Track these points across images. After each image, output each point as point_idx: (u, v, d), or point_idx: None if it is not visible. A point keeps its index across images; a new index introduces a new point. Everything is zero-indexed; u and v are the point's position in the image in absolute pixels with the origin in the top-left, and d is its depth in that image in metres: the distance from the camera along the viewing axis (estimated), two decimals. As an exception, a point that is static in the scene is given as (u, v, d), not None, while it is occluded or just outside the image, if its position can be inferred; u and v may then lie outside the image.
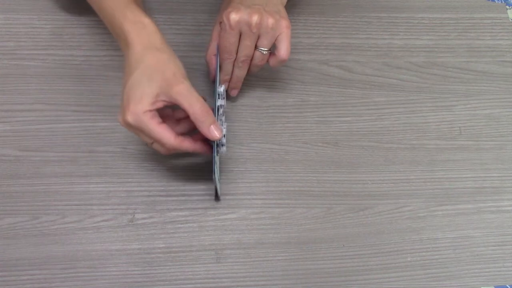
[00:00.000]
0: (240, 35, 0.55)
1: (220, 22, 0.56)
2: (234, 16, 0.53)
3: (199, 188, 0.59)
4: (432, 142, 0.66)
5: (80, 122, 0.60)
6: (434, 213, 0.62)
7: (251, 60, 0.58)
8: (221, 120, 0.55)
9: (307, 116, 0.65)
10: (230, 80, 0.60)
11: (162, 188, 0.59)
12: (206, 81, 0.64)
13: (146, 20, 0.52)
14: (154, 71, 0.49)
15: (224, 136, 0.53)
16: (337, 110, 0.66)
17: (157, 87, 0.48)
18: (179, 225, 0.58)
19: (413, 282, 0.59)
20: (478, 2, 0.76)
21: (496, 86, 0.71)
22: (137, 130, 0.50)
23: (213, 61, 0.60)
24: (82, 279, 0.54)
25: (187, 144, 0.51)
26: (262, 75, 0.66)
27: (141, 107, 0.48)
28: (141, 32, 0.51)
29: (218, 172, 0.56)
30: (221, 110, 0.55)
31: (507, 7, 0.76)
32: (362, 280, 0.58)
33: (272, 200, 0.60)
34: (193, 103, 0.48)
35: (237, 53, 0.57)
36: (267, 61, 0.58)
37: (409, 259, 0.60)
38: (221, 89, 0.55)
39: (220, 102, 0.54)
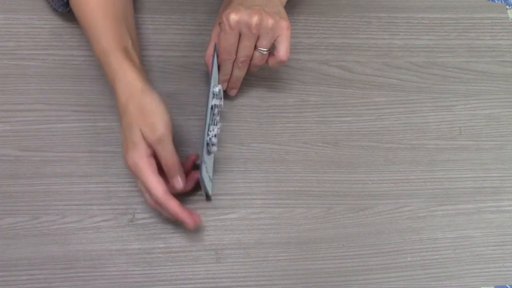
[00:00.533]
0: (240, 36, 0.55)
1: (220, 23, 0.56)
2: (233, 17, 0.53)
3: (199, 188, 0.59)
4: (432, 142, 0.66)
5: (80, 122, 0.60)
6: (434, 213, 0.62)
7: (251, 60, 0.58)
8: (215, 120, 0.55)
9: (307, 116, 0.65)
10: (229, 80, 0.61)
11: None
12: (205, 81, 0.64)
13: (127, 66, 0.53)
14: (137, 121, 0.51)
15: (215, 136, 0.53)
16: (337, 110, 0.66)
17: (141, 137, 0.50)
18: (179, 225, 0.58)
19: (413, 282, 0.59)
20: (478, 2, 0.76)
21: (496, 86, 0.71)
22: (134, 174, 0.52)
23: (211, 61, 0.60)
24: (82, 279, 0.54)
25: (172, 204, 0.51)
26: (262, 75, 0.66)
27: (137, 154, 0.50)
28: (123, 81, 0.52)
29: (211, 171, 0.57)
30: (215, 110, 0.55)
31: (507, 7, 0.76)
32: (362, 280, 0.58)
33: (272, 200, 0.60)
34: (162, 153, 0.51)
35: (236, 54, 0.57)
36: (266, 61, 0.58)
37: (409, 259, 0.60)
38: (216, 89, 0.55)
39: (214, 101, 0.54)
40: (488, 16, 0.75)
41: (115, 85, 0.53)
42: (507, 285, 0.61)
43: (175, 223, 0.57)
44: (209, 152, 0.54)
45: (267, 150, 0.62)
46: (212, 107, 0.54)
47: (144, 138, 0.50)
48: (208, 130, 0.53)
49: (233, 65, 0.58)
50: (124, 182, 0.59)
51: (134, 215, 0.58)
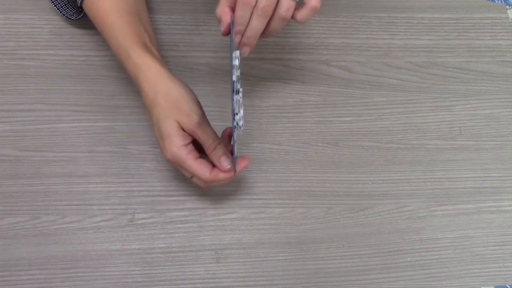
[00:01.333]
0: None
1: None
2: None
3: (199, 188, 0.59)
4: (432, 142, 0.66)
5: (80, 122, 0.60)
6: (434, 213, 0.62)
7: (274, 10, 0.48)
8: (237, 90, 0.48)
9: (307, 116, 0.65)
10: (243, 33, 0.49)
11: (162, 188, 0.59)
12: (205, 81, 0.64)
13: (148, 59, 0.52)
14: (170, 113, 0.50)
15: (237, 114, 0.48)
16: (337, 110, 0.66)
17: (177, 127, 0.50)
18: (179, 225, 0.58)
19: (413, 282, 0.59)
20: (478, 2, 0.76)
21: (496, 86, 0.71)
22: (177, 165, 0.52)
23: (226, 15, 0.49)
24: (82, 279, 0.54)
25: (222, 176, 0.52)
26: (262, 75, 0.66)
27: (174, 144, 0.50)
28: (148, 76, 0.51)
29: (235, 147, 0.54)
30: (238, 85, 0.48)
31: (507, 7, 0.76)
32: (362, 280, 0.58)
33: (272, 200, 0.60)
34: (204, 137, 0.51)
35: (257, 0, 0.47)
36: (293, 16, 0.49)
37: (409, 259, 0.60)
38: (236, 62, 0.48)
39: (236, 74, 0.48)
40: (488, 16, 0.75)
41: (139, 80, 0.52)
42: (507, 285, 0.61)
43: (175, 223, 0.58)
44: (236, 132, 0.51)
45: (267, 150, 0.62)
46: (234, 82, 0.48)
47: (183, 127, 0.50)
48: (234, 114, 0.49)
49: (252, 14, 0.48)
50: (124, 182, 0.59)
51: (134, 215, 0.58)
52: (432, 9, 0.75)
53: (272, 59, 0.67)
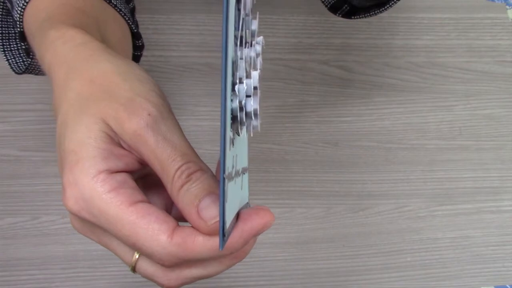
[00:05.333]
0: None
1: None
2: None
3: None
4: (432, 142, 0.66)
5: (80, 122, 0.60)
6: (434, 213, 0.62)
7: None
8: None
9: (307, 116, 0.65)
10: None
11: (162, 188, 0.59)
12: (206, 80, 0.64)
13: (72, 32, 0.29)
14: (91, 104, 0.25)
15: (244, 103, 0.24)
16: (337, 110, 0.66)
17: (98, 131, 0.25)
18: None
19: (413, 282, 0.59)
20: (478, 2, 0.76)
21: (496, 86, 0.71)
22: (93, 229, 0.26)
23: None
24: (82, 279, 0.54)
25: (199, 245, 0.25)
26: (262, 75, 0.66)
27: (82, 169, 0.24)
28: (61, 50, 0.29)
29: (244, 191, 0.29)
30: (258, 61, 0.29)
31: (507, 7, 0.76)
32: (362, 280, 0.58)
33: (272, 200, 0.60)
34: (162, 151, 0.25)
35: None
36: None
37: (409, 259, 0.60)
38: (254, 26, 0.26)
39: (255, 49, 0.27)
40: (488, 16, 0.75)
41: (46, 60, 0.29)
42: (507, 285, 0.61)
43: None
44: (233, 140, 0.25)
45: (267, 150, 0.62)
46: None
47: (114, 130, 0.25)
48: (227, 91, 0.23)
49: None
50: (124, 182, 0.58)
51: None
52: (432, 9, 0.74)
53: (272, 59, 0.67)
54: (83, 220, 0.25)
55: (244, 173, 0.27)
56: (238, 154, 0.25)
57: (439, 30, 0.73)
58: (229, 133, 0.22)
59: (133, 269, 0.28)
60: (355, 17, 0.53)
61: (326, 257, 0.59)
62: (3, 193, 0.57)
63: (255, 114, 0.23)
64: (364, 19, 0.71)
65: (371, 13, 0.51)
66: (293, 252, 0.58)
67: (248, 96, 0.23)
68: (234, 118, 0.23)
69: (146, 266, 0.27)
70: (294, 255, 0.58)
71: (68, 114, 0.26)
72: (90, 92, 0.25)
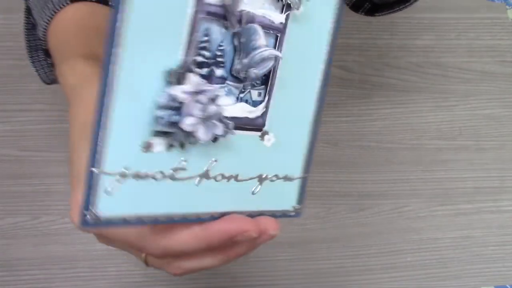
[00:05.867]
0: None
1: None
2: None
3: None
4: (432, 142, 0.66)
5: (80, 122, 0.60)
6: (434, 213, 0.62)
7: None
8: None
9: (307, 116, 0.65)
10: None
11: (162, 188, 0.59)
12: (206, 81, 0.64)
13: (80, 66, 0.34)
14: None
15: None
16: (337, 110, 0.66)
17: None
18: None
19: (413, 282, 0.59)
20: (478, 2, 0.76)
21: (496, 86, 0.71)
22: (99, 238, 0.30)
23: None
24: (82, 279, 0.54)
25: (184, 236, 0.26)
26: (262, 75, 0.66)
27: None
28: (72, 79, 0.35)
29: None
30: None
31: (507, 7, 0.76)
32: (362, 280, 0.58)
33: (272, 200, 0.60)
34: None
35: None
36: None
37: (409, 259, 0.60)
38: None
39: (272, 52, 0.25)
40: (488, 16, 0.75)
41: (59, 78, 0.35)
42: (507, 285, 0.61)
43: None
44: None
45: (267, 150, 0.62)
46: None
47: None
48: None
49: None
50: (124, 182, 0.59)
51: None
52: (432, 9, 0.74)
53: (272, 59, 0.67)
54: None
55: (228, 180, 0.27)
56: (218, 158, 0.25)
57: (439, 30, 0.73)
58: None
59: (147, 264, 0.31)
60: (378, 14, 0.53)
61: (326, 257, 0.59)
62: (3, 193, 0.57)
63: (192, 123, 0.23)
64: (364, 19, 0.71)
65: (395, 9, 0.51)
66: (293, 252, 0.58)
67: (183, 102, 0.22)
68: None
69: (153, 259, 0.30)
70: (294, 255, 0.58)
71: (74, 138, 0.29)
72: (91, 121, 0.26)
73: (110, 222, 0.23)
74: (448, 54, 0.72)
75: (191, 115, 0.22)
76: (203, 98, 0.22)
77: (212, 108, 0.23)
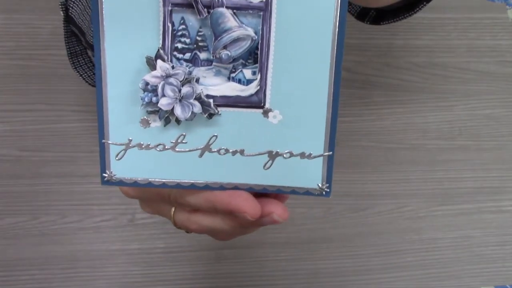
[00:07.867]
0: None
1: None
2: None
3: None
4: (432, 142, 0.66)
5: (80, 122, 0.60)
6: (434, 213, 0.62)
7: None
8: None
9: (307, 116, 0.65)
10: None
11: (162, 188, 0.59)
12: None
13: None
14: None
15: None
16: (337, 110, 0.66)
17: None
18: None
19: (413, 282, 0.59)
20: (478, 2, 0.76)
21: (496, 86, 0.71)
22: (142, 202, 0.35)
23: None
24: (82, 279, 0.54)
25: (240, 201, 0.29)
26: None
27: None
28: None
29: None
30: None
31: (507, 7, 0.76)
32: (362, 280, 0.58)
33: (272, 200, 0.60)
34: None
35: None
36: None
37: (409, 259, 0.60)
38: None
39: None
40: (488, 16, 0.75)
41: None
42: (507, 285, 0.61)
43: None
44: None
45: (267, 150, 0.62)
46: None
47: None
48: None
49: None
50: (124, 182, 0.59)
51: (134, 215, 0.58)
52: (432, 9, 0.74)
53: (272, 59, 0.67)
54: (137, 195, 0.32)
55: (233, 154, 0.29)
56: (218, 133, 0.28)
57: (439, 30, 0.73)
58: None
59: (174, 222, 0.33)
60: (384, 22, 0.53)
61: (326, 257, 0.59)
62: (3, 193, 0.57)
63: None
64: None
65: (400, 17, 0.51)
66: (293, 252, 0.58)
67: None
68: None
69: (178, 216, 0.32)
70: (294, 255, 0.58)
71: None
72: None
73: (123, 183, 0.29)
74: (448, 54, 0.72)
75: (165, 96, 0.26)
76: (173, 80, 0.26)
77: (186, 89, 0.26)
